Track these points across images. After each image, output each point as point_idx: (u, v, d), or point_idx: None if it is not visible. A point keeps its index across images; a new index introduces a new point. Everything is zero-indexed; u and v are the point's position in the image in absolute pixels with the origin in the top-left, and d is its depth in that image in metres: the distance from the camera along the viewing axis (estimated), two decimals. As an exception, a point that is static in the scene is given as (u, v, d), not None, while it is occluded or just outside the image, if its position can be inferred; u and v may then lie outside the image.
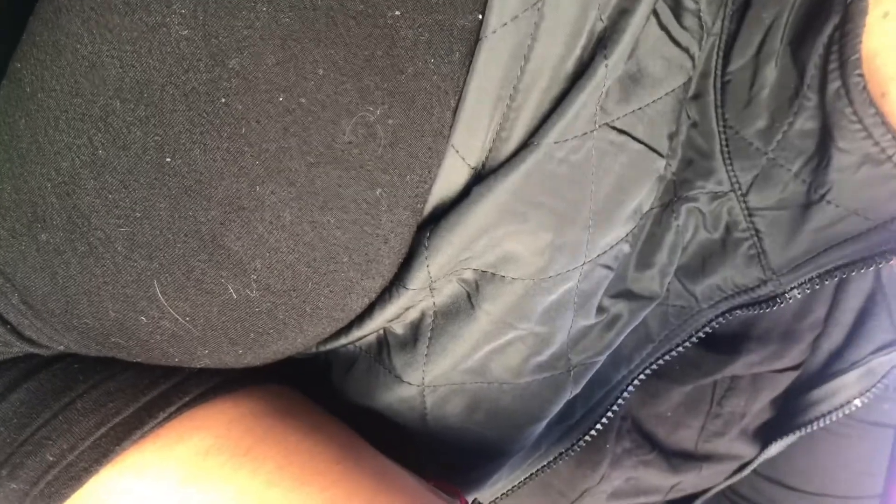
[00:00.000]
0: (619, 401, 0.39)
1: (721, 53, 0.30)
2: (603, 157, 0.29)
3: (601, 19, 0.26)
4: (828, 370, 0.46)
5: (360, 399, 0.34)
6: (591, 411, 0.40)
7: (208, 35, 0.24)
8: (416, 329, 0.32)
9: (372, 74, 0.25)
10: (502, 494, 0.43)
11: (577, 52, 0.27)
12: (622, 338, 0.36)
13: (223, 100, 0.24)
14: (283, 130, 0.25)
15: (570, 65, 0.27)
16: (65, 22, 0.24)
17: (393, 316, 0.31)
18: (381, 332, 0.32)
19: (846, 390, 0.46)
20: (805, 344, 0.46)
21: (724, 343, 0.43)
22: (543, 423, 0.37)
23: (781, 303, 0.34)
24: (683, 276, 0.35)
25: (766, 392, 0.47)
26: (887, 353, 0.46)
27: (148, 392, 0.30)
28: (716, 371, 0.43)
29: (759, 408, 0.48)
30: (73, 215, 0.25)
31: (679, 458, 0.47)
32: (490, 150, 0.27)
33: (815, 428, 0.47)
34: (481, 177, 0.28)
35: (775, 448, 0.49)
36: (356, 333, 0.31)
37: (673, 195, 0.33)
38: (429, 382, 0.33)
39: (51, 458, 0.28)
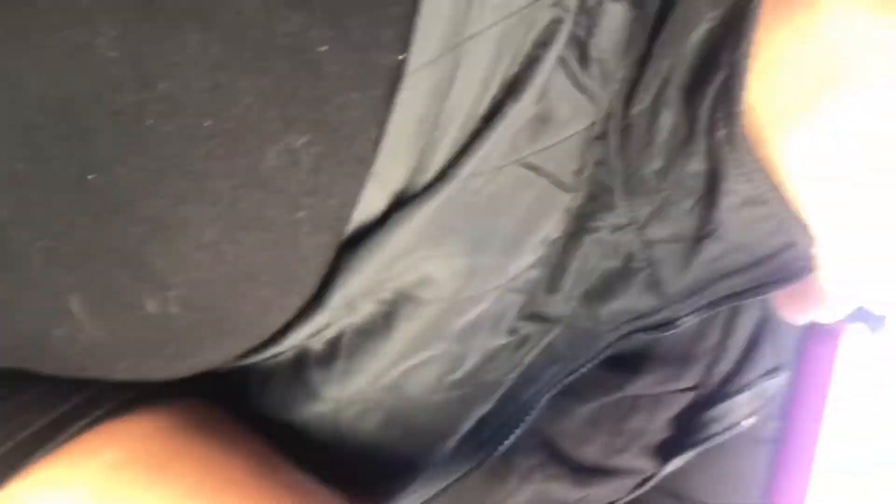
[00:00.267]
0: (528, 417, 0.41)
1: (623, 98, 0.32)
2: (514, 190, 0.31)
3: (513, 65, 0.28)
4: (722, 392, 0.49)
5: (277, 414, 0.34)
6: (502, 427, 0.41)
7: (137, 58, 0.24)
8: (333, 346, 0.32)
9: (297, 105, 0.26)
10: (414, 508, 0.44)
11: (491, 93, 0.28)
12: (531, 357, 0.38)
13: (150, 121, 0.25)
14: (208, 153, 0.25)
15: (484, 105, 0.28)
16: None
17: (310, 333, 0.31)
18: (299, 348, 0.33)
19: (738, 410, 0.50)
20: (701, 367, 0.49)
21: (625, 364, 0.45)
22: (456, 439, 0.39)
23: (676, 328, 0.36)
24: (588, 300, 0.37)
25: (665, 411, 0.50)
26: (772, 377, 0.49)
27: (60, 405, 0.29)
28: (618, 389, 0.46)
29: (659, 426, 0.50)
30: None
31: (585, 473, 0.49)
32: (409, 179, 0.28)
33: (709, 445, 0.50)
34: (400, 203, 0.29)
35: (675, 464, 0.51)
36: (274, 350, 0.32)
37: (577, 226, 0.35)
38: (345, 399, 0.34)
39: None
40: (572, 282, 0.36)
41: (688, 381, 0.49)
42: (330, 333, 0.32)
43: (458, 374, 0.35)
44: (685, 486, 0.56)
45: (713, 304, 0.35)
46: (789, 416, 0.31)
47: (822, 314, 0.34)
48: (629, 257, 0.35)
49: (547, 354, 0.39)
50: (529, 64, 0.28)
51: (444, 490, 0.43)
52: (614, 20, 0.30)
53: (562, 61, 0.29)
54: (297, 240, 0.28)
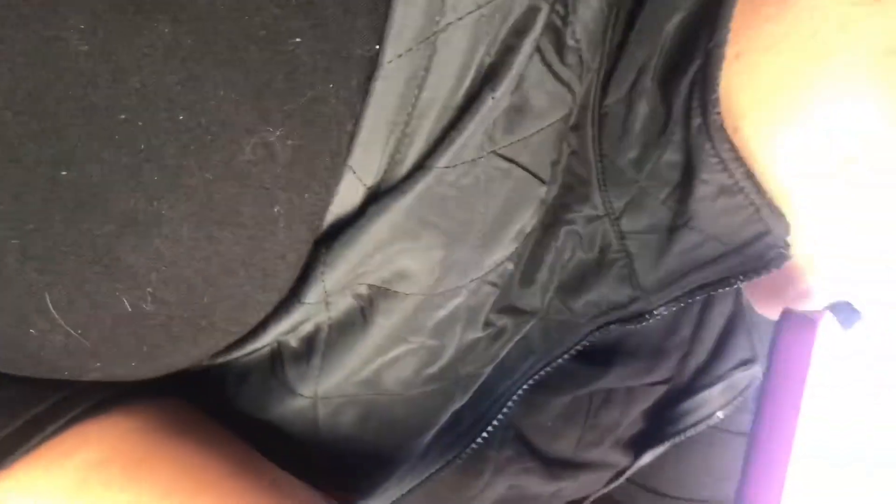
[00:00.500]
0: (504, 410, 0.41)
1: (599, 88, 0.32)
2: (490, 182, 0.31)
3: (489, 55, 0.28)
4: (694, 385, 0.50)
5: (253, 411, 0.34)
6: (478, 421, 0.41)
7: (108, 52, 0.24)
8: (310, 342, 0.32)
9: (272, 97, 0.26)
10: (392, 503, 0.44)
11: (467, 84, 0.28)
12: (507, 350, 0.38)
13: (122, 116, 0.24)
14: (182, 148, 0.25)
15: (460, 96, 0.28)
16: None
17: (288, 329, 0.31)
18: (276, 344, 0.33)
19: (711, 403, 0.50)
20: (673, 360, 0.49)
21: (598, 357, 0.46)
22: (433, 433, 0.39)
23: (650, 319, 0.37)
24: (563, 292, 0.37)
25: (638, 404, 0.50)
26: (746, 369, 0.50)
27: (35, 406, 0.29)
28: (591, 383, 0.46)
29: (631, 419, 0.51)
30: None
31: (558, 466, 0.49)
32: (385, 172, 0.28)
33: (683, 438, 0.51)
34: (377, 196, 0.29)
35: (648, 457, 0.52)
36: (250, 346, 0.31)
37: (553, 218, 0.35)
38: (322, 394, 0.33)
39: None
40: (547, 274, 0.36)
41: (660, 375, 0.49)
42: (307, 329, 0.32)
43: (435, 368, 0.35)
44: (659, 480, 0.57)
45: (687, 295, 0.35)
46: (765, 407, 0.31)
47: (796, 304, 0.35)
48: (604, 249, 0.36)
49: (522, 347, 0.39)
50: (506, 53, 0.29)
51: (420, 485, 0.43)
52: (590, 8, 0.30)
53: (538, 50, 0.30)
54: (274, 235, 0.28)
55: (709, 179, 0.31)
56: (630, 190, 0.33)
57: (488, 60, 0.28)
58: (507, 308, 0.37)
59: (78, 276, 0.26)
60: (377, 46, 0.26)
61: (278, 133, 0.26)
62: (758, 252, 0.33)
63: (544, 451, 0.48)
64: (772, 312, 0.37)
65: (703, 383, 0.50)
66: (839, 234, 0.32)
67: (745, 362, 0.49)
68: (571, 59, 0.30)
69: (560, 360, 0.40)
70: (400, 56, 0.26)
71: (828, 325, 0.32)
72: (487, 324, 0.36)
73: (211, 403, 0.34)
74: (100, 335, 0.28)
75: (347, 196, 0.28)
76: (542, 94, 0.30)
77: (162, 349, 0.29)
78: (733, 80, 0.30)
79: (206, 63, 0.25)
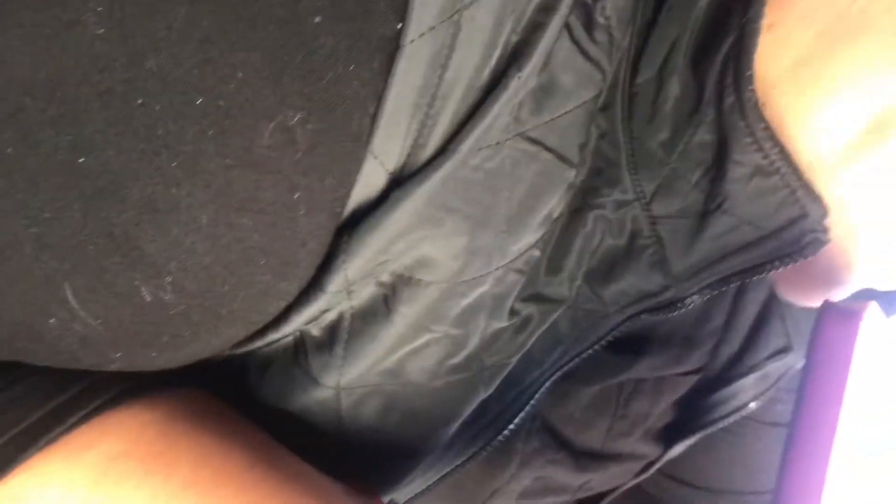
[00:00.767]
0: (532, 402, 0.40)
1: (629, 67, 0.31)
2: (516, 166, 0.30)
3: (515, 32, 0.27)
4: (726, 374, 0.49)
5: (275, 402, 0.34)
6: (504, 412, 0.41)
7: (125, 35, 0.24)
8: (332, 331, 0.32)
9: (292, 79, 0.25)
10: (416, 495, 0.43)
11: (492, 63, 0.27)
12: (533, 340, 0.38)
13: (140, 100, 0.24)
14: (200, 133, 0.25)
15: (485, 75, 0.28)
16: None
17: (310, 319, 0.31)
18: (298, 334, 0.32)
19: (744, 393, 0.49)
20: (705, 349, 0.48)
21: (628, 347, 0.45)
22: (457, 424, 0.38)
23: (682, 308, 0.36)
24: (592, 280, 0.36)
25: (668, 395, 0.50)
26: (780, 359, 0.49)
27: (55, 397, 0.29)
28: (621, 372, 0.45)
29: (661, 410, 0.50)
30: None
31: (587, 458, 0.49)
32: (408, 156, 0.28)
33: (715, 429, 0.50)
34: (399, 181, 0.28)
35: (678, 448, 0.51)
36: (272, 336, 0.31)
37: (581, 202, 0.34)
38: (345, 384, 0.33)
39: None
40: (575, 261, 0.35)
41: (692, 364, 0.48)
42: (329, 318, 0.32)
43: (459, 358, 0.35)
44: (690, 471, 0.56)
45: (721, 282, 0.34)
46: (806, 399, 0.30)
47: (831, 290, 0.34)
48: (634, 235, 0.35)
49: (549, 337, 0.38)
50: (533, 30, 0.28)
51: (445, 477, 0.43)
52: None
53: (566, 27, 0.29)
54: (294, 222, 0.27)
55: (742, 160, 0.30)
56: (661, 173, 0.32)
57: (515, 38, 0.28)
58: (534, 296, 0.36)
59: (97, 265, 0.26)
60: (399, 25, 0.25)
61: (298, 117, 0.25)
62: (794, 236, 0.31)
63: (572, 442, 0.48)
64: (802, 299, 0.36)
65: (736, 373, 0.49)
66: (878, 216, 0.31)
67: (780, 351, 0.48)
68: (601, 36, 0.30)
69: (590, 351, 0.39)
70: (422, 35, 0.25)
71: (871, 315, 0.30)
72: (513, 312, 0.36)
73: (232, 394, 0.34)
74: (119, 325, 0.27)
75: (369, 182, 0.28)
76: (570, 73, 0.30)
77: (182, 339, 0.29)
78: (765, 52, 0.29)
79: (224, 44, 0.24)
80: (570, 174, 0.33)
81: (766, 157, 0.30)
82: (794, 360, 0.49)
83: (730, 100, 0.29)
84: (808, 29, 0.28)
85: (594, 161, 0.33)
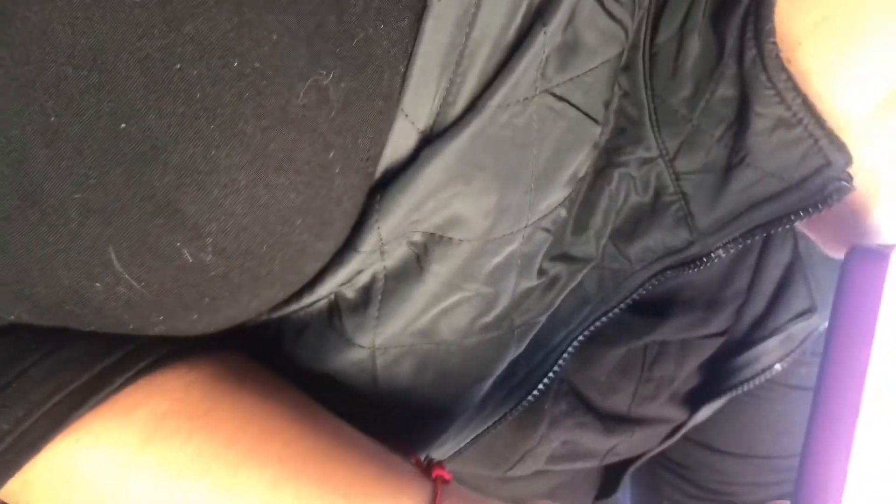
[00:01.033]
0: (560, 362, 0.41)
1: (650, 26, 0.32)
2: (543, 122, 0.31)
3: None
4: (751, 337, 0.49)
5: (311, 364, 0.35)
6: (533, 372, 0.41)
7: (163, 1, 0.24)
8: (366, 292, 0.33)
9: (324, 40, 0.25)
10: (449, 457, 0.44)
11: (518, 21, 0.28)
12: (561, 299, 0.38)
13: (178, 65, 0.25)
14: (237, 95, 0.25)
15: (511, 33, 0.28)
16: None
17: (344, 280, 0.31)
18: (332, 297, 0.33)
19: (768, 356, 0.49)
20: (729, 312, 0.48)
21: (653, 309, 0.45)
22: (489, 383, 0.39)
23: (708, 262, 0.36)
24: (617, 238, 0.37)
25: (693, 357, 0.50)
26: (805, 320, 0.49)
27: (103, 359, 0.30)
28: (646, 334, 0.46)
29: (687, 373, 0.50)
30: (25, 183, 0.26)
31: (613, 421, 0.49)
32: (437, 115, 0.28)
33: (740, 392, 0.50)
34: (429, 140, 0.29)
35: (704, 412, 0.51)
36: (308, 299, 0.32)
37: (606, 161, 0.35)
38: (379, 345, 0.34)
39: (5, 427, 0.28)
40: (601, 220, 0.36)
41: (717, 326, 0.48)
42: (363, 280, 0.32)
43: (490, 317, 0.35)
44: (715, 436, 0.56)
45: (746, 235, 0.35)
46: (832, 349, 0.30)
47: (863, 239, 0.34)
48: (659, 191, 0.35)
49: (577, 296, 0.39)
50: None
51: (477, 438, 0.44)
52: None
53: None
54: (330, 181, 0.28)
55: (764, 113, 0.31)
56: (684, 129, 0.33)
57: None
58: (561, 256, 0.37)
59: (140, 228, 0.26)
60: None
61: (331, 76, 0.26)
62: (817, 186, 0.32)
63: (599, 405, 0.48)
64: (838, 251, 0.36)
65: (760, 335, 0.49)
66: None
67: (804, 313, 0.48)
68: None
69: (616, 310, 0.39)
70: None
71: None
72: (541, 272, 0.36)
73: (268, 359, 0.35)
74: (162, 287, 0.28)
75: (400, 140, 0.28)
76: (593, 31, 0.30)
77: (222, 301, 0.29)
78: (786, 5, 0.29)
79: (259, 8, 0.25)
80: (596, 132, 0.33)
81: (788, 108, 0.30)
82: (818, 322, 0.49)
83: (751, 53, 0.30)
84: None
85: (617, 121, 0.34)
